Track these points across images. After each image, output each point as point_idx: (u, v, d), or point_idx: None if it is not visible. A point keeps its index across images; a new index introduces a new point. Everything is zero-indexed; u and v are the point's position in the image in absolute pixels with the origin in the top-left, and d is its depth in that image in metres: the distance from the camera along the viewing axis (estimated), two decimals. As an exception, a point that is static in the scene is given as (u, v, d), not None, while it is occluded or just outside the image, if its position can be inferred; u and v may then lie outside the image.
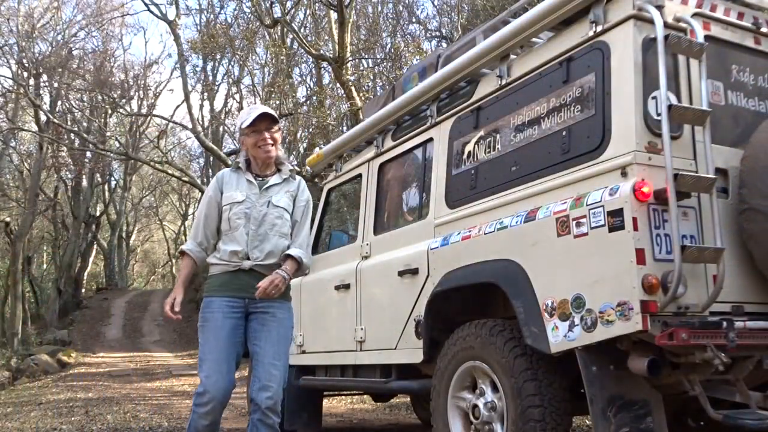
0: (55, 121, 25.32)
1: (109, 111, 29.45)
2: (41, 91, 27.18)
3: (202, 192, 25.66)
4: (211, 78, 28.67)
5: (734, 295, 3.18)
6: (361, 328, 5.00)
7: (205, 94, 28.79)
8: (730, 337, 2.94)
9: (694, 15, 3.37)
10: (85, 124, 28.71)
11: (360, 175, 5.55)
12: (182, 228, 48.43)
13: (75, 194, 33.09)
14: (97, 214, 37.64)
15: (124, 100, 28.49)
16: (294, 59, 24.68)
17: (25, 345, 23.27)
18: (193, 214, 47.86)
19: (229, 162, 22.56)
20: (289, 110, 21.58)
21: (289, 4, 21.65)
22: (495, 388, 3.63)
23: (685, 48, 3.13)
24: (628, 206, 2.96)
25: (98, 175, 31.87)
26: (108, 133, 29.74)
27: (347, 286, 5.19)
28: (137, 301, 34.49)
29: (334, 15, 18.62)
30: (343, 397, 9.51)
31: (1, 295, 30.27)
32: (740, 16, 3.59)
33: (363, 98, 17.99)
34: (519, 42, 3.90)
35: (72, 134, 27.61)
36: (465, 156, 4.20)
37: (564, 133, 3.46)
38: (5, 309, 28.53)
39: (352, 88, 17.89)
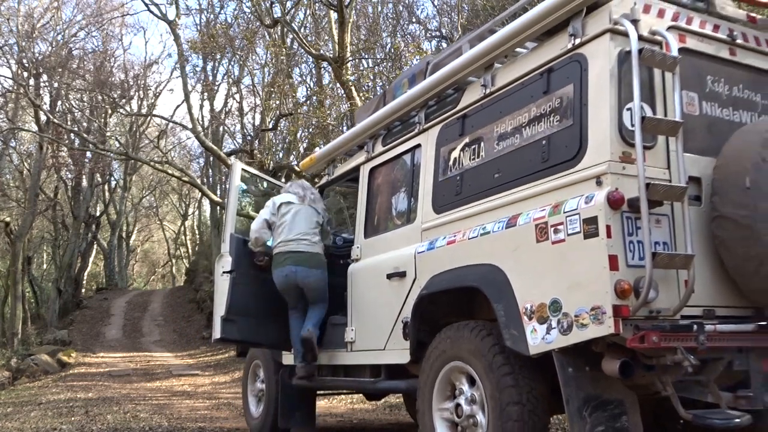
0: (55, 121, 25.51)
1: (109, 111, 29.64)
2: (41, 91, 27.36)
3: (202, 192, 26.01)
4: (211, 78, 28.81)
5: (706, 299, 3.34)
6: (352, 329, 5.19)
7: (205, 94, 28.95)
8: (700, 340, 3.11)
9: (670, 28, 3.53)
10: (85, 124, 28.90)
11: (353, 179, 5.72)
12: (182, 228, 48.77)
13: (75, 194, 33.20)
14: (97, 214, 37.78)
15: (124, 100, 28.68)
16: (294, 59, 24.76)
17: (25, 345, 23.27)
18: (193, 214, 48.24)
19: (229, 162, 22.74)
20: (289, 110, 21.72)
21: (289, 4, 21.86)
22: (477, 388, 3.80)
23: (658, 61, 3.29)
24: (602, 214, 3.12)
25: (98, 175, 31.94)
26: (108, 133, 29.92)
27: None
28: (137, 301, 34.52)
29: (334, 15, 18.75)
30: (344, 396, 9.64)
31: (1, 295, 30.52)
32: (716, 28, 3.75)
33: (363, 98, 18.07)
34: (502, 52, 4.07)
35: (72, 134, 27.81)
36: (451, 162, 4.38)
37: (544, 142, 3.63)
38: (5, 309, 28.72)
39: (352, 88, 18.00)
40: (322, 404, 9.73)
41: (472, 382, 3.85)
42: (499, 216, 3.78)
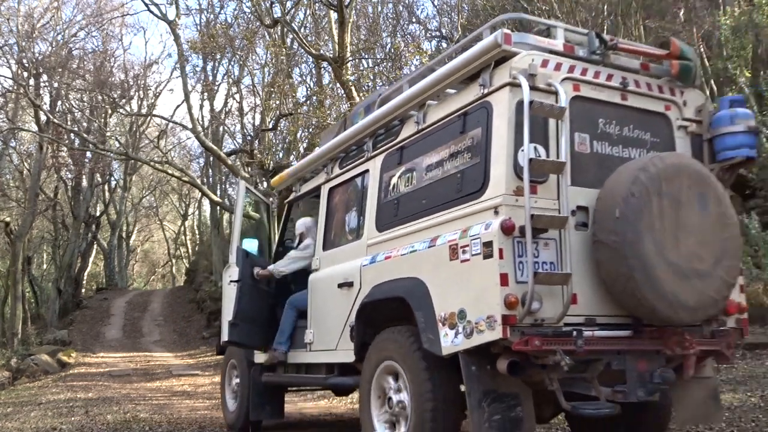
0: (55, 121, 26.23)
1: (109, 111, 30.42)
2: (41, 91, 28.10)
3: (202, 192, 26.68)
4: (211, 78, 29.50)
5: (588, 309, 4.13)
6: (311, 332, 6.03)
7: (205, 94, 29.60)
8: (578, 344, 3.89)
9: (565, 79, 4.30)
10: (85, 124, 29.67)
11: (316, 197, 6.57)
12: (182, 228, 49.56)
13: (75, 194, 33.97)
14: (97, 214, 38.58)
15: (124, 100, 29.48)
16: (294, 59, 25.41)
17: (25, 345, 23.71)
18: (193, 214, 49.05)
19: (229, 162, 23.50)
20: (289, 110, 22.34)
21: (289, 4, 22.45)
22: (404, 382, 4.59)
23: (547, 111, 4.05)
24: (496, 239, 3.91)
25: (98, 175, 32.80)
26: (108, 133, 30.73)
27: None
28: (137, 301, 35.15)
29: (334, 15, 19.39)
30: (343, 396, 10.05)
31: (1, 295, 31.19)
32: (609, 77, 4.51)
33: (363, 98, 18.31)
34: (430, 95, 4.86)
35: (72, 134, 28.59)
36: (391, 187, 5.19)
37: (458, 175, 4.43)
38: (5, 309, 29.36)
39: (352, 88, 18.73)
40: (322, 404, 10.50)
41: (400, 378, 4.64)
42: (424, 237, 4.58)
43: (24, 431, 8.32)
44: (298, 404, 10.53)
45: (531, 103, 3.98)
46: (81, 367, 19.27)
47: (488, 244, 3.95)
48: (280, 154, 26.68)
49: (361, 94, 19.07)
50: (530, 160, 3.92)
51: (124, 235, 45.54)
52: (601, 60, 4.54)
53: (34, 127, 28.31)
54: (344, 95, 19.41)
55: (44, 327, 29.08)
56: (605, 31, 18.28)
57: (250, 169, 23.68)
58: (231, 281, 6.66)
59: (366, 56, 24.67)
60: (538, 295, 3.88)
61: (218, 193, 32.04)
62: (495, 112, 4.22)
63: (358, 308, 5.15)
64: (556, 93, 4.17)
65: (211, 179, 33.78)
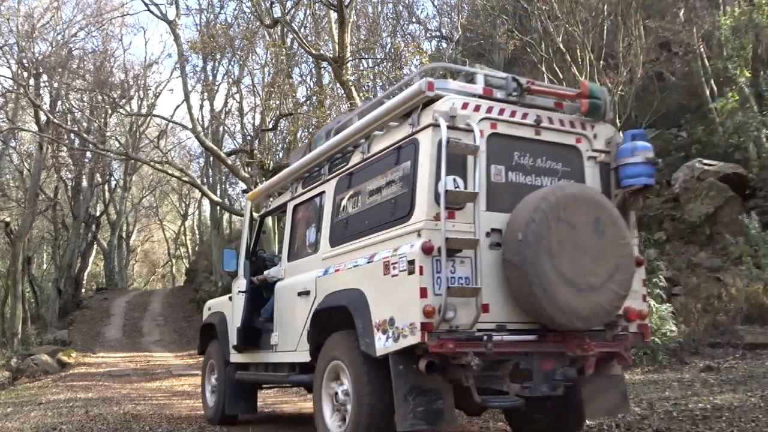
0: (55, 121, 27.07)
1: (109, 111, 31.34)
2: (41, 91, 28.96)
3: (202, 192, 27.47)
4: (211, 78, 30.43)
5: (500, 316, 5.01)
6: (276, 335, 6.95)
7: (205, 94, 30.50)
8: (488, 347, 4.78)
9: (483, 119, 5.18)
10: (85, 124, 30.63)
11: (284, 212, 7.51)
12: (182, 228, 50.64)
13: (75, 194, 34.92)
14: (97, 214, 39.68)
15: (124, 100, 30.40)
16: (294, 59, 26.23)
17: (25, 345, 24.40)
18: (193, 214, 50.02)
19: (229, 162, 24.30)
20: (289, 110, 23.03)
21: (289, 4, 23.10)
22: (347, 379, 5.47)
23: (462, 148, 4.93)
24: (418, 258, 4.79)
25: (98, 175, 33.75)
26: (108, 133, 31.66)
27: None
28: (137, 301, 35.93)
29: (334, 15, 19.99)
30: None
31: (1, 295, 32.17)
32: (524, 116, 5.39)
33: (363, 98, 19.25)
34: (372, 129, 5.76)
35: (72, 134, 29.51)
36: (341, 208, 6.10)
37: (392, 201, 5.33)
38: (5, 309, 30.26)
39: (352, 88, 19.29)
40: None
41: (345, 375, 5.53)
42: (365, 253, 5.47)
43: (24, 431, 8.57)
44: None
45: (448, 142, 4.87)
46: (81, 367, 19.76)
47: (412, 262, 4.83)
48: (280, 154, 27.30)
49: (361, 94, 19.69)
50: (446, 191, 4.81)
51: (124, 235, 46.63)
52: (517, 100, 5.43)
53: (34, 127, 29.08)
54: (344, 95, 19.95)
55: (44, 327, 29.81)
56: (605, 32, 19.15)
57: (250, 169, 24.28)
58: (239, 291, 7.75)
59: (366, 56, 25.46)
60: (453, 305, 4.75)
61: (218, 193, 32.98)
62: (420, 149, 5.10)
63: (312, 314, 6.06)
64: (473, 132, 5.05)
65: (211, 179, 34.68)
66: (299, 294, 6.44)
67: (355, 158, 6.07)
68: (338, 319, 5.66)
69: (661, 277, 11.78)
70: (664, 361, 10.68)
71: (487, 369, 4.97)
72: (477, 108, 5.22)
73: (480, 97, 5.35)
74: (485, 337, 4.81)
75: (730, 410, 6.93)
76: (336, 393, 5.65)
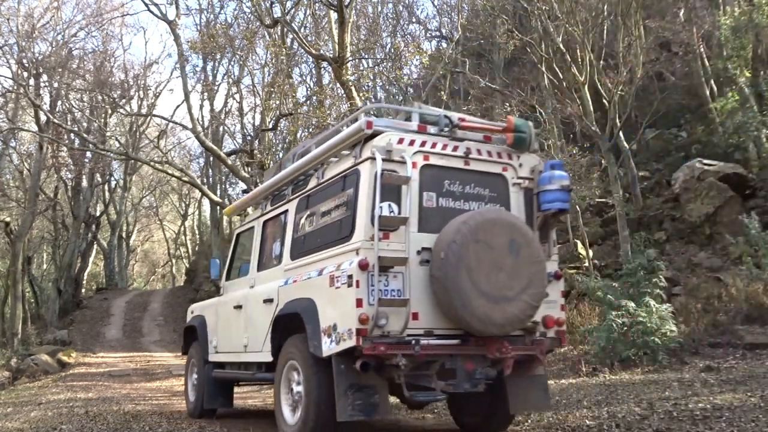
0: (55, 121, 27.85)
1: (109, 111, 32.26)
2: (41, 91, 29.73)
3: (202, 192, 28.27)
4: (211, 78, 31.43)
5: (428, 323, 6.00)
6: (246, 336, 7.96)
7: (205, 94, 31.47)
8: (416, 349, 5.78)
9: (417, 152, 6.18)
10: (85, 124, 31.53)
11: (253, 227, 8.56)
12: (182, 228, 51.68)
13: (75, 194, 35.84)
14: (97, 214, 40.67)
15: (124, 100, 31.26)
16: (294, 59, 27.09)
17: (25, 345, 24.98)
18: (193, 214, 50.78)
19: (229, 162, 25.13)
20: (289, 110, 23.73)
21: (289, 4, 23.75)
22: (300, 377, 6.47)
23: (395, 179, 5.92)
24: (355, 273, 5.78)
25: (98, 175, 34.67)
26: (108, 133, 32.55)
27: (240, 307, 8.23)
28: (137, 301, 36.70)
29: (334, 15, 20.56)
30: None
31: (1, 295, 33.00)
32: (455, 148, 6.38)
33: (363, 98, 20.07)
34: (326, 157, 6.78)
35: (72, 134, 30.40)
36: (300, 226, 7.12)
37: (339, 222, 6.35)
38: (5, 309, 31.06)
39: (352, 88, 19.75)
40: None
41: (299, 373, 6.55)
42: (317, 267, 6.49)
43: (24, 431, 8.76)
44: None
45: (382, 173, 5.89)
46: (81, 367, 20.34)
47: (350, 276, 5.83)
48: (280, 155, 27.68)
49: (361, 94, 20.29)
50: (380, 216, 5.83)
51: (124, 235, 47.58)
52: (448, 135, 6.43)
53: (34, 127, 29.83)
54: (344, 95, 20.51)
55: (44, 327, 30.57)
56: (605, 32, 19.77)
57: (250, 169, 24.99)
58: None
59: (366, 56, 26.38)
60: (385, 314, 5.74)
61: (218, 193, 33.82)
62: (361, 178, 6.11)
63: (274, 319, 7.09)
64: (406, 164, 6.06)
65: (211, 179, 35.66)
66: (264, 301, 7.45)
67: (312, 182, 7.09)
68: (294, 324, 6.64)
69: (661, 277, 12.31)
70: (664, 361, 11.14)
71: (417, 368, 6.00)
72: (412, 142, 6.22)
73: (415, 132, 6.35)
74: (413, 341, 5.80)
75: (730, 410, 7.12)
76: (292, 388, 6.68)
